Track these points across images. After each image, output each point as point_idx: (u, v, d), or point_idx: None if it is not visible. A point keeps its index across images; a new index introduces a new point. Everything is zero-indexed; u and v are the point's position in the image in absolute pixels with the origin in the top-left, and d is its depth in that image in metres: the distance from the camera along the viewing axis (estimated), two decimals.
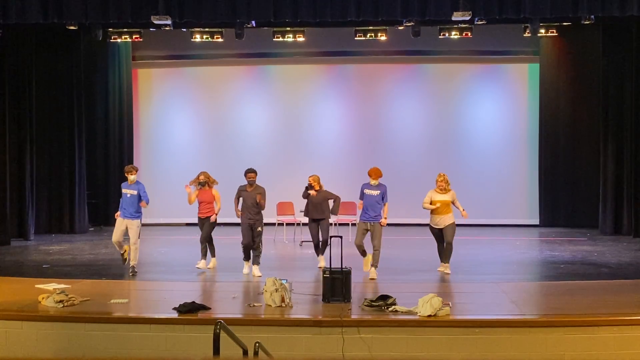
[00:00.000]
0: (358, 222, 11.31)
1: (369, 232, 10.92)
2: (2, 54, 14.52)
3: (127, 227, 11.14)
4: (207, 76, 17.64)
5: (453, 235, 11.11)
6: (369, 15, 12.21)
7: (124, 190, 11.26)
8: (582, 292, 9.65)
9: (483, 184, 16.96)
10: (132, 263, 11.07)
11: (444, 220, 11.13)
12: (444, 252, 11.16)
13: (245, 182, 11.30)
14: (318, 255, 11.63)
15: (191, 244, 14.94)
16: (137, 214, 11.12)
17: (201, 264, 11.45)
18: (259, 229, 11.19)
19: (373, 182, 11.02)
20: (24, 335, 8.30)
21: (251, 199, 11.17)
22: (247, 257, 11.21)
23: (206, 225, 11.50)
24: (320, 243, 11.55)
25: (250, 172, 11.28)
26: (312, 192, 11.49)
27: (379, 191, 10.97)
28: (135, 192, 11.07)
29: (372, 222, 10.89)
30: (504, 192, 17.03)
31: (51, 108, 16.01)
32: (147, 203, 11.09)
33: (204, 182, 11.49)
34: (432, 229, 11.28)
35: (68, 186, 16.09)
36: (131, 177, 11.13)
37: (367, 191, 11.05)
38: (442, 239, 11.21)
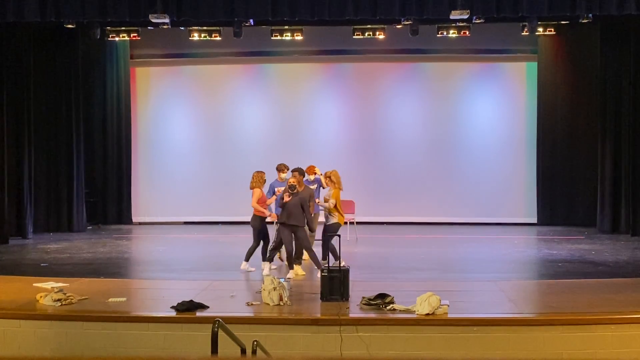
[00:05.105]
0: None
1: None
2: None
3: None
4: (205, 75, 17.61)
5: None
6: (367, 13, 12.21)
7: (277, 189, 11.15)
8: (580, 290, 9.66)
9: (481, 183, 16.95)
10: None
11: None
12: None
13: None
14: (291, 266, 10.54)
15: (189, 242, 14.98)
16: None
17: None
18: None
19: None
20: (21, 334, 8.30)
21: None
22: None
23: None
24: (304, 253, 10.61)
25: (294, 171, 10.79)
26: (286, 198, 10.42)
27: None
28: None
29: None
30: (501, 190, 17.01)
31: (49, 107, 15.97)
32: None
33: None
34: None
35: (66, 185, 16.05)
36: (282, 175, 11.22)
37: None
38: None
